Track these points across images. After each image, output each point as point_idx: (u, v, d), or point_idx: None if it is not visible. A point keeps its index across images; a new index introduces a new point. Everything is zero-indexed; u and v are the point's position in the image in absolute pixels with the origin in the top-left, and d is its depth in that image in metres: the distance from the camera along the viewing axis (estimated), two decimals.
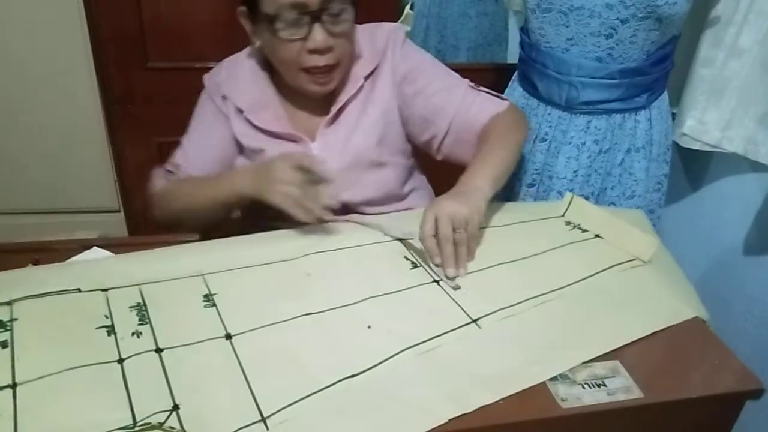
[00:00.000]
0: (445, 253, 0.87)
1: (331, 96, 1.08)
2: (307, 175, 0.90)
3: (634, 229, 0.98)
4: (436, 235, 0.89)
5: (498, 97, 1.12)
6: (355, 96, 1.08)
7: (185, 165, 1.09)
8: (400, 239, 0.95)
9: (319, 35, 0.95)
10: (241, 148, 1.11)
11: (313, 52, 0.97)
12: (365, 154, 1.09)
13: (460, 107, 1.09)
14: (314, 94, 1.05)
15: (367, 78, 1.09)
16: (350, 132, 1.08)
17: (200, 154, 1.10)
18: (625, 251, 0.96)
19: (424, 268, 0.90)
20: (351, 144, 1.08)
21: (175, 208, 1.05)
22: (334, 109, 1.08)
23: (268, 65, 1.09)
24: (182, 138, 1.13)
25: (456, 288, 0.85)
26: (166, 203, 1.07)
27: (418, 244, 0.91)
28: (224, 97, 1.08)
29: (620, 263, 0.93)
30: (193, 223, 1.05)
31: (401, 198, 1.18)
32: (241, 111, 1.07)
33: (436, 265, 0.88)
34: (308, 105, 1.09)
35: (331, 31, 0.96)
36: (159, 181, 1.11)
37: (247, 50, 1.11)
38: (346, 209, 1.08)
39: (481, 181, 0.95)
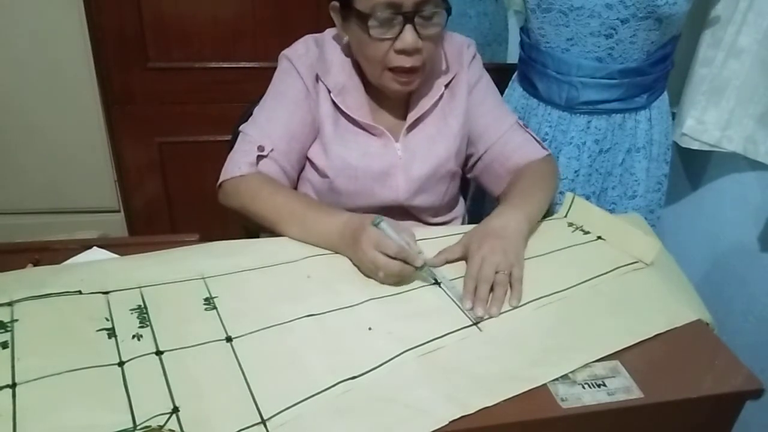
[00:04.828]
0: (479, 292, 0.83)
1: (411, 99, 1.08)
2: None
3: (636, 230, 0.98)
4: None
5: (539, 143, 1.13)
6: (436, 104, 1.09)
7: (269, 146, 1.04)
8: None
9: (409, 36, 0.95)
10: (318, 134, 1.08)
11: (401, 52, 0.97)
12: (445, 165, 1.10)
13: (501, 138, 1.11)
14: (394, 93, 1.05)
15: (446, 86, 1.09)
16: (432, 140, 1.09)
17: (284, 138, 1.06)
18: (628, 253, 0.96)
19: (425, 269, 0.90)
20: (433, 153, 1.09)
21: (253, 211, 1.00)
22: (415, 114, 1.08)
23: (353, 54, 1.07)
24: (256, 113, 1.08)
25: (477, 321, 0.81)
26: (249, 200, 1.01)
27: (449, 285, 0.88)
28: (317, 78, 1.07)
29: (622, 266, 0.93)
30: (260, 228, 1.03)
31: (454, 207, 1.20)
32: (329, 91, 1.06)
33: (468, 309, 0.83)
34: (388, 103, 1.09)
35: (422, 33, 0.96)
36: (246, 166, 1.03)
37: (330, 33, 1.10)
38: (407, 212, 1.08)
39: (524, 222, 0.95)
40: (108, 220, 1.89)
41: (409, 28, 0.94)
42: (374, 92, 1.08)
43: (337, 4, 1.00)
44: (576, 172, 1.30)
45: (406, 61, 0.98)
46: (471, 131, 1.13)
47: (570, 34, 1.20)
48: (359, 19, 0.95)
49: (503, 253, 0.87)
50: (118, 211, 1.90)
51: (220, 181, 1.06)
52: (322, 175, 1.09)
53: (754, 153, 1.30)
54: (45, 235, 1.03)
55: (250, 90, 1.32)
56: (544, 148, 1.13)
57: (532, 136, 1.14)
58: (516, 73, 1.40)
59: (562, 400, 0.70)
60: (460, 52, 1.11)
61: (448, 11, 0.98)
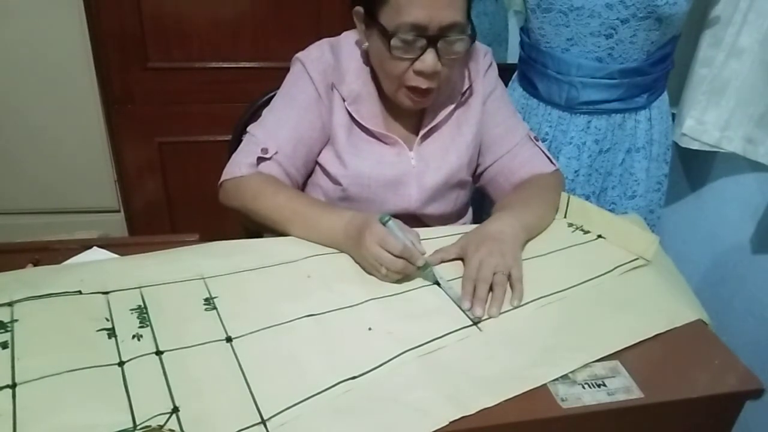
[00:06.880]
0: (478, 292, 0.83)
1: (426, 108, 1.07)
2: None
3: (634, 227, 0.98)
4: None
5: (548, 158, 1.12)
6: (451, 113, 1.08)
7: (273, 148, 1.03)
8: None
9: (430, 59, 0.93)
10: (329, 140, 1.08)
11: (419, 74, 0.96)
12: (457, 174, 1.10)
13: (510, 152, 1.11)
14: (407, 108, 1.04)
15: (463, 95, 1.09)
16: (445, 149, 1.09)
17: (290, 142, 1.04)
18: (628, 250, 0.96)
19: (427, 270, 0.90)
20: (446, 161, 1.08)
21: (255, 211, 1.00)
22: (429, 124, 1.08)
23: (370, 60, 1.06)
24: (265, 114, 1.07)
25: (477, 321, 0.81)
26: (250, 199, 1.01)
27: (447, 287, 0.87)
28: (332, 87, 1.05)
29: (622, 264, 0.93)
30: (262, 228, 1.03)
31: (463, 215, 1.20)
32: (343, 100, 1.05)
33: (467, 309, 0.83)
34: (402, 112, 1.08)
35: (443, 57, 0.95)
36: (247, 167, 1.03)
37: (348, 37, 1.08)
38: (417, 220, 1.08)
39: (520, 230, 0.94)
40: (108, 220, 1.89)
41: (431, 51, 0.93)
42: (389, 101, 1.07)
43: (361, 10, 0.98)
44: (576, 172, 1.30)
45: (423, 83, 0.97)
46: (482, 141, 1.13)
47: (570, 34, 1.20)
48: (382, 34, 0.94)
49: (501, 255, 0.87)
50: (118, 211, 1.90)
51: (221, 180, 1.06)
52: (335, 182, 1.08)
53: (754, 154, 1.30)
54: (45, 235, 1.03)
55: (250, 90, 1.32)
56: (552, 162, 1.12)
57: (541, 150, 1.12)
58: (516, 73, 1.40)
59: (562, 400, 0.70)
60: (477, 60, 1.10)
61: (473, 38, 0.97)
